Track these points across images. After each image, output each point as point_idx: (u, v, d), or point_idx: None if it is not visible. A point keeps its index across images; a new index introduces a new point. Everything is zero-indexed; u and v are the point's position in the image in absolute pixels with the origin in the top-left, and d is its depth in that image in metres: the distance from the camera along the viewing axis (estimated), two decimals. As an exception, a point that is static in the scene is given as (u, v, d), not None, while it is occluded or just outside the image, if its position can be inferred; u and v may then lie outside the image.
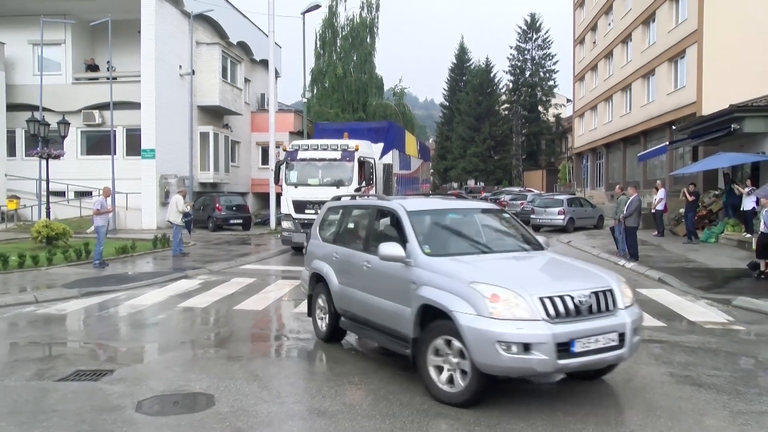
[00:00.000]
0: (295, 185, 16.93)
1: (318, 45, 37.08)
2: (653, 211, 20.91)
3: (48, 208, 19.94)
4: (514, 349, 4.94)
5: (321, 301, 7.73)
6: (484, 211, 7.50)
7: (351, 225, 7.70)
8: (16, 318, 9.40)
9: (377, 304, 6.41)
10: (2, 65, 26.40)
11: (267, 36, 25.04)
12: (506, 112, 63.56)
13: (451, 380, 5.44)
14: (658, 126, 29.64)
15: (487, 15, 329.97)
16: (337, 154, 16.64)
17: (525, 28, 62.85)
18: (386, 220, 7.05)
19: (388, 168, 19.39)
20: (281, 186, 17.35)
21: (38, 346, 7.85)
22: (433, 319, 5.58)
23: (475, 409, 5.33)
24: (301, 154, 17.09)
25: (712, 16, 24.06)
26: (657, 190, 20.86)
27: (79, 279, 12.48)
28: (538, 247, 6.76)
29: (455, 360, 5.38)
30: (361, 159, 16.65)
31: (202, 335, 8.49)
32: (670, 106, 27.69)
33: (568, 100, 59.15)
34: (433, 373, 5.56)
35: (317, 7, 29.43)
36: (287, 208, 16.99)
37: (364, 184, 16.57)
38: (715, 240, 18.58)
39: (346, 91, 35.44)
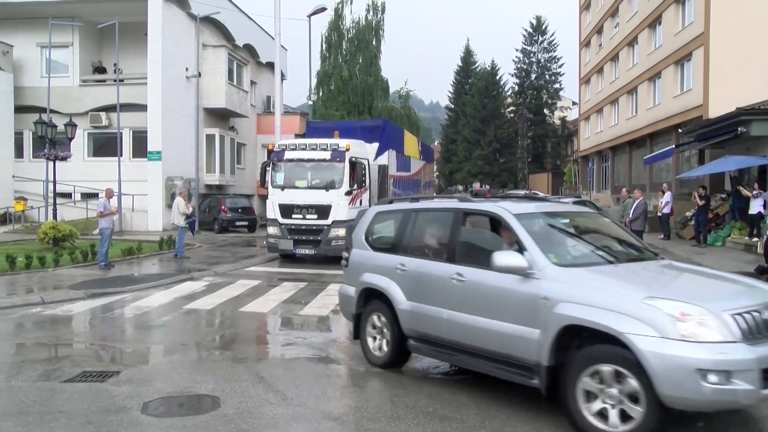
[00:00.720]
0: (282, 188, 15.74)
1: (324, 47, 37.12)
2: (659, 214, 20.84)
3: (55, 210, 20.03)
4: (713, 378, 4.13)
5: (377, 321, 6.71)
6: (585, 213, 7.01)
7: (421, 231, 6.61)
8: (23, 319, 9.45)
9: (478, 324, 5.45)
10: (11, 67, 26.56)
11: (273, 38, 25.07)
12: (512, 115, 63.54)
13: (603, 414, 4.57)
14: (665, 129, 29.54)
15: (493, 18, 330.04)
16: (327, 155, 15.41)
17: (531, 30, 62.88)
18: (481, 225, 6.40)
19: (383, 169, 18.08)
20: (267, 189, 16.22)
21: (45, 346, 7.90)
22: (571, 341, 4.79)
23: (479, 412, 5.32)
24: (288, 155, 15.85)
25: (718, 18, 23.97)
26: (663, 193, 20.79)
27: (86, 280, 12.54)
28: (652, 253, 6.10)
29: (616, 392, 4.50)
30: (353, 159, 15.50)
31: (208, 337, 8.51)
32: (677, 109, 27.59)
33: (574, 103, 59.05)
34: (584, 408, 4.65)
35: (323, 9, 29.48)
36: (273, 212, 15.79)
37: (356, 186, 15.57)
38: (722, 243, 18.50)
39: (351, 94, 35.44)
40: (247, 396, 5.77)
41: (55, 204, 20.15)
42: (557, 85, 62.86)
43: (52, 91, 23.75)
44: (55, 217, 19.72)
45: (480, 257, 5.80)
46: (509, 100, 65.20)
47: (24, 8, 26.10)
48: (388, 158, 18.25)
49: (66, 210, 24.58)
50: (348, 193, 15.29)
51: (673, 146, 25.98)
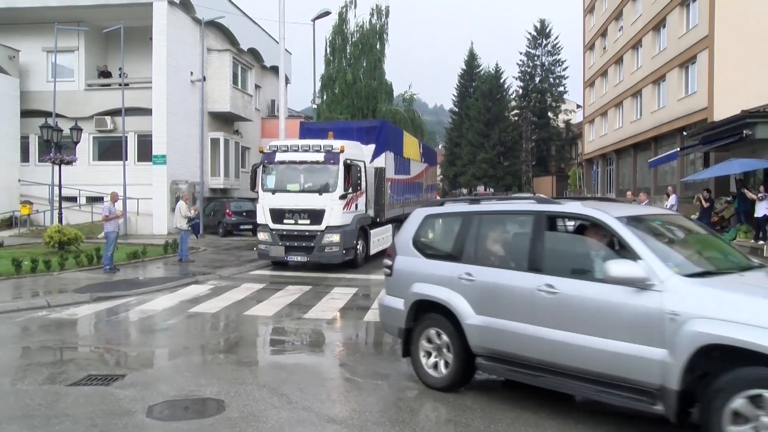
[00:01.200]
0: (273, 191, 15.02)
1: (328, 51, 37.18)
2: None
3: (60, 214, 20.15)
4: None
5: (435, 338, 6.00)
6: (671, 215, 6.53)
7: (491, 237, 6.00)
8: (28, 322, 9.49)
9: (578, 342, 4.85)
10: (17, 72, 26.72)
11: (277, 42, 25.14)
12: (516, 118, 63.49)
13: None
14: (669, 132, 29.48)
15: (497, 21, 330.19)
16: (320, 156, 14.62)
17: (535, 34, 62.83)
18: (571, 231, 5.98)
19: (380, 172, 17.11)
20: (258, 192, 15.50)
21: (50, 350, 7.92)
22: (704, 362, 4.28)
23: (483, 416, 5.31)
24: (279, 156, 15.05)
25: (723, 21, 23.94)
26: (668, 196, 20.74)
27: (91, 284, 12.57)
28: (748, 259, 5.68)
29: None
30: (348, 162, 14.74)
31: (213, 340, 8.52)
32: (681, 112, 27.54)
33: (578, 106, 59.01)
34: None
35: (327, 13, 29.55)
36: (263, 217, 15.09)
37: (350, 190, 14.85)
38: (727, 247, 18.39)
39: (355, 97, 35.46)
40: (252, 399, 5.78)
41: (60, 208, 20.26)
42: (561, 89, 62.80)
43: (57, 95, 23.89)
44: (60, 220, 19.82)
45: (575, 266, 5.31)
46: (513, 103, 65.15)
47: (30, 13, 26.25)
48: (385, 160, 17.33)
49: (71, 214, 24.70)
50: (342, 197, 14.58)
51: (678, 149, 25.91)
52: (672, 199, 20.31)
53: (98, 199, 25.17)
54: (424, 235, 6.57)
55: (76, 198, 26.27)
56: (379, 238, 17.20)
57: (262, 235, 15.20)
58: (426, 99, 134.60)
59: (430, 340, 6.08)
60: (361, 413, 5.45)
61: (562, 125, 62.53)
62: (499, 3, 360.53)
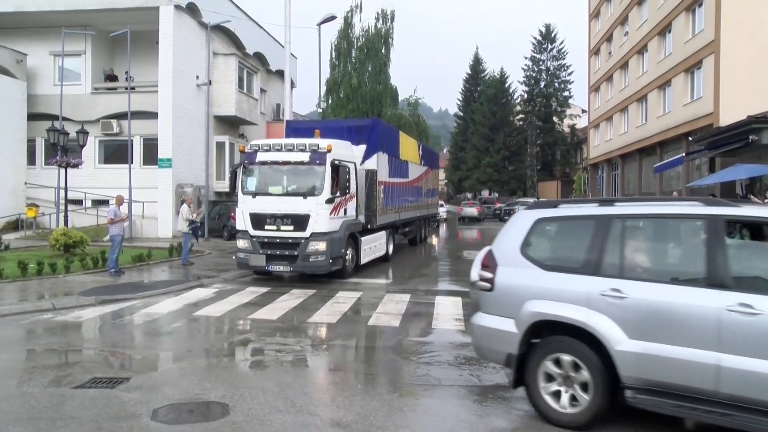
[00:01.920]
0: (254, 194, 13.82)
1: (333, 55, 37.31)
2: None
3: (66, 217, 20.21)
4: None
5: (568, 367, 5.11)
6: None
7: (644, 245, 5.35)
8: (34, 325, 9.53)
9: None
10: (24, 76, 26.88)
11: (283, 47, 25.25)
12: (521, 123, 63.53)
13: None
14: (675, 137, 29.43)
15: (502, 26, 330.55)
16: (305, 156, 13.43)
17: (540, 38, 62.95)
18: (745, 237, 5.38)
19: (371, 174, 15.96)
20: (238, 196, 14.28)
21: (55, 353, 7.95)
22: None
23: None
24: (261, 156, 13.86)
25: (729, 26, 23.91)
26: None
27: (96, 287, 12.61)
28: None
29: None
30: (336, 162, 13.56)
31: (217, 344, 8.53)
32: (687, 117, 27.49)
33: (583, 111, 58.99)
34: None
35: (333, 18, 29.66)
36: (243, 223, 13.86)
37: (338, 194, 13.68)
38: (733, 252, 18.32)
39: (360, 102, 35.54)
40: (257, 403, 5.78)
41: (66, 211, 20.32)
42: (566, 93, 62.87)
43: (64, 98, 24.02)
44: (66, 223, 19.89)
45: None
46: (518, 107, 65.24)
47: (38, 17, 26.42)
48: (377, 162, 16.15)
49: (77, 217, 24.80)
50: (329, 201, 13.40)
51: (684, 154, 25.85)
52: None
53: (104, 202, 25.26)
54: (537, 243, 5.61)
55: (82, 201, 26.38)
56: (371, 246, 16.24)
57: (241, 243, 13.95)
58: (431, 103, 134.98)
59: (555, 368, 5.17)
60: (365, 417, 5.45)
61: (567, 130, 62.54)
62: (504, 8, 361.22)
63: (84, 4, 25.37)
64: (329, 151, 13.40)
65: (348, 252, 14.44)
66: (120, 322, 9.81)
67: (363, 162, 15.80)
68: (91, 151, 26.09)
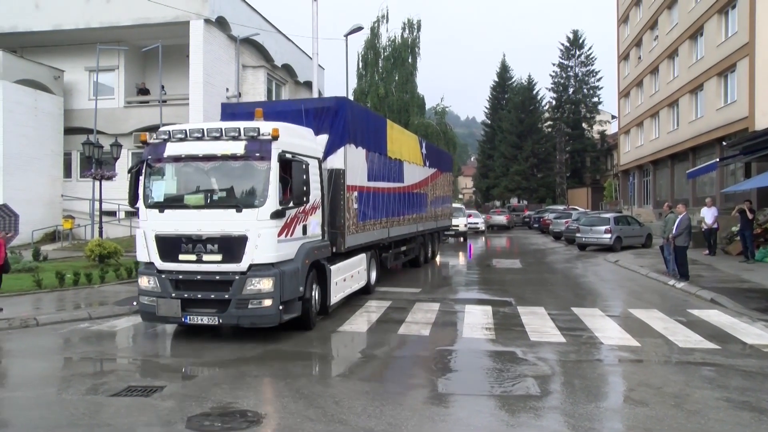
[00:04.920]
0: (161, 207, 9.27)
1: (360, 66, 37.61)
2: (704, 229, 20.31)
3: (101, 228, 20.66)
4: None
5: None
6: None
7: None
8: (71, 334, 9.75)
9: None
10: (61, 91, 27.68)
11: (311, 58, 25.49)
12: (549, 130, 62.92)
13: None
14: (708, 142, 28.83)
15: (529, 33, 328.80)
16: (239, 147, 8.83)
17: (567, 44, 62.35)
18: None
19: (335, 176, 11.27)
20: (138, 209, 9.73)
21: (92, 361, 8.13)
22: None
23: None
24: (171, 149, 9.21)
25: (764, 28, 23.39)
26: (708, 207, 20.27)
27: (130, 296, 12.80)
28: None
29: None
30: (287, 156, 9.03)
31: (249, 352, 8.59)
32: (720, 122, 26.92)
33: (613, 117, 58.17)
34: None
35: (360, 29, 29.86)
36: (146, 251, 9.29)
37: (292, 203, 9.07)
38: (772, 259, 17.86)
39: (387, 111, 35.69)
40: (288, 412, 5.82)
41: (101, 222, 20.78)
42: (595, 99, 62.05)
43: (98, 112, 24.65)
44: (101, 234, 20.33)
45: None
46: (546, 114, 64.62)
47: (74, 35, 27.19)
48: (344, 159, 11.42)
49: (111, 228, 25.32)
50: (277, 215, 8.86)
51: (717, 160, 25.28)
52: (713, 210, 19.83)
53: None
54: None
55: (116, 212, 26.94)
56: (344, 277, 11.46)
57: (143, 281, 9.30)
58: (458, 111, 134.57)
59: None
60: (396, 426, 5.44)
61: (596, 136, 61.72)
62: (530, 15, 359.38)
63: (118, 20, 26.03)
64: (275, 137, 8.83)
65: (311, 290, 9.80)
66: (153, 332, 9.96)
67: (325, 159, 11.06)
68: (124, 163, 26.61)
